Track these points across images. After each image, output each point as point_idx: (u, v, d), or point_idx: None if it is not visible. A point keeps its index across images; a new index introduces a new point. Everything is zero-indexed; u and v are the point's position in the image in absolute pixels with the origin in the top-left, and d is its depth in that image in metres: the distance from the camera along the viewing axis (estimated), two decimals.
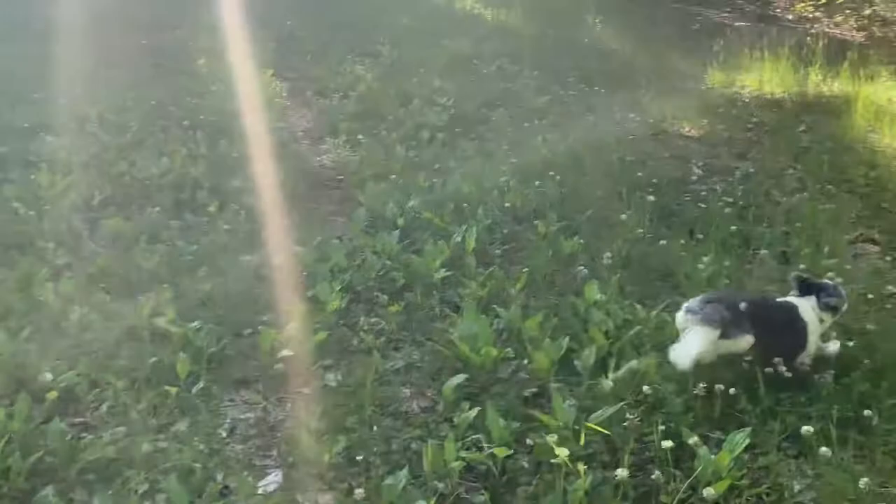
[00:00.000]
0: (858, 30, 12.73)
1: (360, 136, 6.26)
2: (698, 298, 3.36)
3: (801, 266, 4.42)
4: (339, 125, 6.59)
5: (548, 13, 11.36)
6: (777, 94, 8.34)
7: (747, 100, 8.18)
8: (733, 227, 4.81)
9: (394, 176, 5.40)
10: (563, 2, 12.22)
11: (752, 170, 6.06)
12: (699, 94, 8.28)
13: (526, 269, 4.23)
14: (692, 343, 3.19)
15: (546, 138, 6.39)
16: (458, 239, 4.52)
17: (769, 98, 8.25)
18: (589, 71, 8.72)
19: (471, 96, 7.42)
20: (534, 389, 3.36)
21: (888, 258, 4.66)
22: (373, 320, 3.95)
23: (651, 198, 5.21)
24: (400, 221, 4.84)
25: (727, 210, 5.10)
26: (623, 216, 4.91)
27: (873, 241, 4.94)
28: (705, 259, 4.26)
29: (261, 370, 3.56)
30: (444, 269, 4.25)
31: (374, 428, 3.12)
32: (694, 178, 5.92)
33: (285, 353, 3.57)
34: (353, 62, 8.28)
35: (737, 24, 12.52)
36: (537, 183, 5.38)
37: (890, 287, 4.31)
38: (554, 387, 3.23)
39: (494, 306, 3.89)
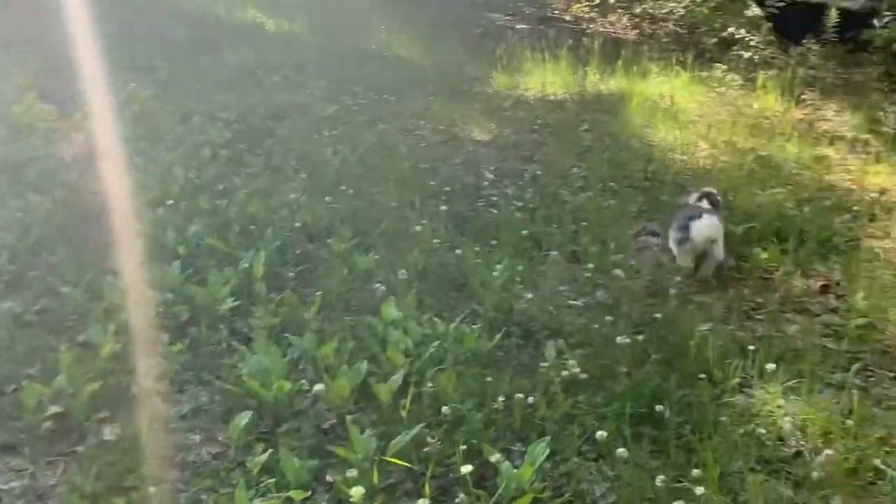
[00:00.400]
0: (631, 28, 13.51)
1: (135, 159, 5.79)
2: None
3: (590, 266, 4.54)
4: (113, 148, 6.07)
5: (332, 22, 11.20)
6: (559, 94, 8.62)
7: (532, 102, 8.39)
8: (525, 232, 4.85)
9: (171, 201, 5.02)
10: (347, 10, 12.10)
11: (539, 172, 6.18)
12: (486, 98, 8.42)
13: (320, 292, 4.04)
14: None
15: (336, 150, 6.21)
16: (246, 264, 4.26)
17: (552, 99, 8.51)
18: (377, 79, 8.63)
19: (255, 109, 7.11)
20: (333, 421, 3.20)
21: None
22: (154, 362, 3.63)
23: (444, 207, 5.17)
24: (181, 250, 4.50)
25: (518, 214, 5.16)
26: (418, 227, 4.82)
27: (654, 234, 5.15)
28: (499, 266, 4.25)
29: (27, 431, 3.16)
30: (231, 299, 3.98)
31: (158, 485, 2.84)
32: (486, 183, 5.96)
33: (54, 409, 3.20)
34: (126, 79, 7.70)
35: (518, 26, 12.91)
36: (328, 198, 5.20)
37: (673, 278, 4.49)
38: (350, 418, 3.07)
39: (287, 335, 3.68)
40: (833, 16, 8.76)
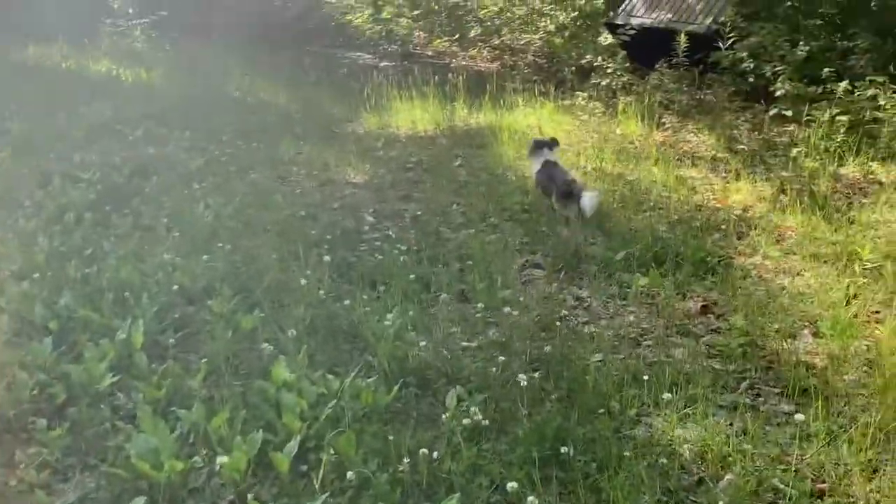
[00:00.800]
0: (491, 60, 13.80)
1: None
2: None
3: (479, 304, 4.54)
4: None
5: (191, 69, 10.92)
6: (429, 131, 8.69)
7: (403, 140, 8.42)
8: (412, 276, 4.81)
9: (38, 275, 4.71)
10: (204, 57, 11.84)
11: (419, 211, 6.18)
12: (357, 139, 8.39)
13: (205, 359, 3.87)
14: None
15: (209, 204, 6.01)
16: (124, 335, 4.03)
17: (423, 136, 8.57)
18: (244, 126, 8.46)
19: (119, 167, 6.80)
20: (231, 498, 3.05)
21: (554, 283, 4.93)
22: (32, 451, 3.38)
23: (327, 257, 5.06)
24: (52, 325, 4.22)
25: (403, 257, 5.12)
26: (303, 280, 4.70)
27: (538, 266, 5.22)
28: (390, 315, 4.19)
29: None
30: (111, 374, 3.76)
31: None
32: (366, 227, 5.90)
33: None
34: None
35: (382, 64, 12.99)
36: (206, 257, 5.00)
37: (560, 311, 4.55)
38: (250, 494, 2.93)
39: (174, 408, 3.49)
40: (683, 40, 9.19)
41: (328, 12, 15.03)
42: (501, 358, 3.91)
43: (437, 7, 14.76)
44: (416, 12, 14.68)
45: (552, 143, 6.24)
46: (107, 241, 5.32)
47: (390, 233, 5.78)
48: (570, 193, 5.49)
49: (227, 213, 5.87)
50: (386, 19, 13.95)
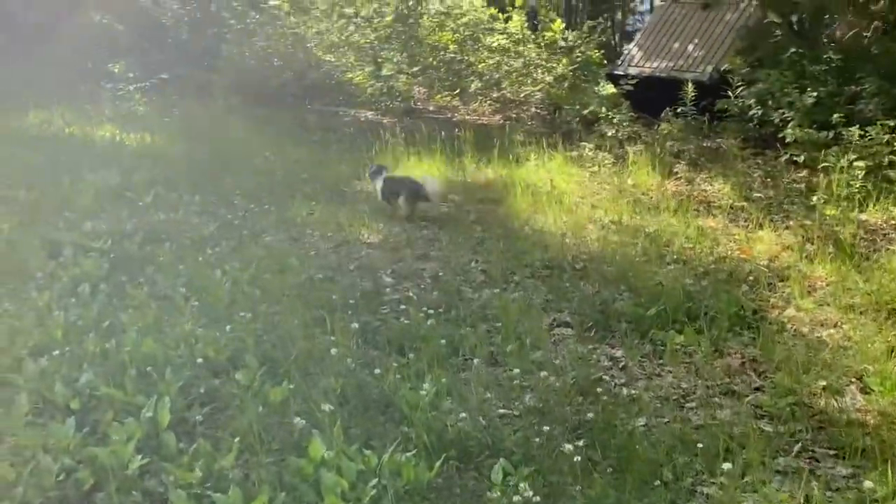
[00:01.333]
0: (493, 113, 13.86)
1: (6, 305, 5.27)
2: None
3: (514, 369, 4.41)
4: None
5: (193, 132, 10.87)
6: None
7: None
8: (443, 340, 4.68)
9: (57, 351, 4.56)
10: (205, 118, 11.81)
11: (438, 271, 6.08)
12: (368, 197, 8.31)
13: (237, 438, 3.72)
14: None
15: (225, 269, 5.89)
16: (150, 413, 3.89)
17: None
18: (252, 187, 8.38)
19: (130, 234, 6.66)
20: None
21: (589, 344, 4.81)
22: None
23: (355, 324, 4.92)
24: (74, 403, 4.07)
25: (430, 321, 4.99)
26: (333, 350, 4.56)
27: (567, 325, 5.11)
28: (426, 385, 4.05)
29: None
30: (139, 456, 3.60)
31: None
32: (386, 288, 5.78)
33: None
34: None
35: (385, 120, 12.99)
36: (228, 327, 4.87)
37: (596, 372, 4.43)
38: None
39: (209, 493, 3.34)
40: (690, 89, 9.21)
41: (327, 70, 15.11)
42: (544, 427, 3.76)
43: (435, 62, 14.87)
44: (415, 68, 14.78)
45: (385, 167, 8.07)
46: (124, 312, 5.17)
47: (411, 294, 5.66)
48: (416, 192, 7.44)
49: (244, 279, 5.74)
50: (386, 76, 14.02)
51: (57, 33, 14.57)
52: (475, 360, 4.55)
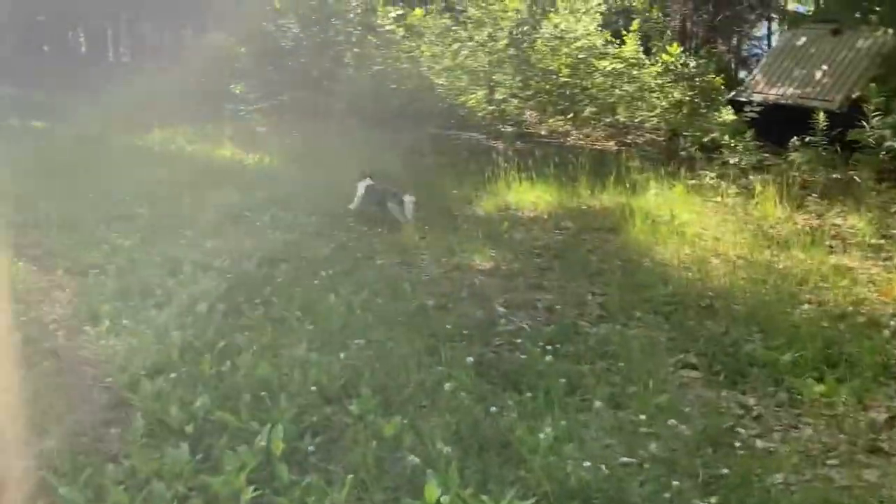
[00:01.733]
0: (607, 138, 13.57)
1: (125, 321, 5.35)
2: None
3: (638, 415, 4.16)
4: (99, 308, 5.56)
5: (311, 153, 11.01)
6: (553, 212, 8.42)
7: (526, 223, 8.18)
8: (563, 380, 4.47)
9: (174, 374, 4.56)
10: (321, 141, 11.95)
11: (554, 303, 5.87)
12: (479, 222, 8.19)
13: (350, 474, 3.60)
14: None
15: (339, 294, 5.85)
16: (263, 442, 3.82)
17: (546, 218, 8.31)
18: (367, 211, 8.38)
19: (248, 254, 6.71)
20: None
21: (718, 389, 4.51)
22: None
23: (470, 358, 4.75)
24: (189, 428, 4.04)
25: (547, 357, 4.78)
26: (447, 385, 4.41)
27: (693, 367, 4.82)
28: (548, 430, 3.84)
29: None
30: (252, 488, 3.53)
31: None
32: (501, 318, 5.61)
33: None
34: (107, 229, 7.34)
35: (496, 144, 12.89)
36: (342, 354, 4.79)
37: (727, 421, 4.13)
38: None
39: None
40: (821, 118, 8.75)
41: (440, 94, 15.14)
42: (673, 481, 3.51)
43: (548, 86, 14.72)
44: (528, 92, 14.65)
45: (369, 175, 8.24)
46: (240, 333, 5.18)
47: (525, 325, 5.48)
48: (401, 200, 7.84)
49: (357, 303, 5.68)
50: (499, 100, 13.95)
51: (182, 54, 15.14)
52: (595, 402, 4.32)
